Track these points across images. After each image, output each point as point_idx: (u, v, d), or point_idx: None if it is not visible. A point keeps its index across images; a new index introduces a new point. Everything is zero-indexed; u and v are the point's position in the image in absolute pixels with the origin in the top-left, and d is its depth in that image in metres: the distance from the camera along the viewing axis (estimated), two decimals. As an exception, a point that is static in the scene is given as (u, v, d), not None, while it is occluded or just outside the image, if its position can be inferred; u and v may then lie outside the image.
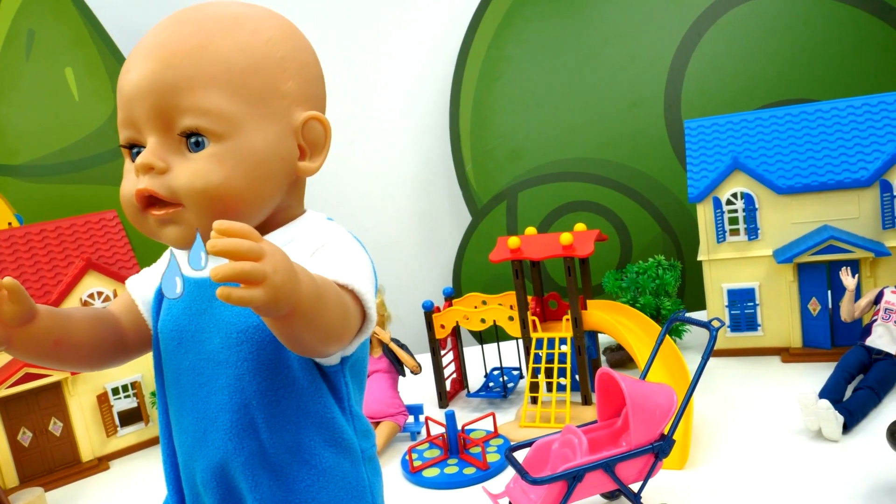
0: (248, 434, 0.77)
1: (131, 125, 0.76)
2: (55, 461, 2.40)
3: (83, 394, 2.43)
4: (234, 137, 0.75)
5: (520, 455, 1.71)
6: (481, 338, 2.65)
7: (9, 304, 0.72)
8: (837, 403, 1.99)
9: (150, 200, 0.75)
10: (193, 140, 0.75)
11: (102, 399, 2.47)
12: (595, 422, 1.78)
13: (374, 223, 4.09)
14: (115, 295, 2.48)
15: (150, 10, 4.05)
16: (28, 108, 3.59)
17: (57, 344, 0.78)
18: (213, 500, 0.79)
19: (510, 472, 1.98)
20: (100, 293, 2.45)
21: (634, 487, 1.67)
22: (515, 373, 2.64)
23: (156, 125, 0.75)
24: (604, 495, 1.78)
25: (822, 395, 2.06)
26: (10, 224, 2.87)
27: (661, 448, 1.62)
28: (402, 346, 2.27)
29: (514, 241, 2.28)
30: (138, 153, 0.76)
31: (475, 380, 2.72)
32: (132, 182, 0.76)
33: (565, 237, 2.20)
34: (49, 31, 3.65)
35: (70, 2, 3.71)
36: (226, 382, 0.76)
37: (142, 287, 0.88)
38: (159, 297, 0.85)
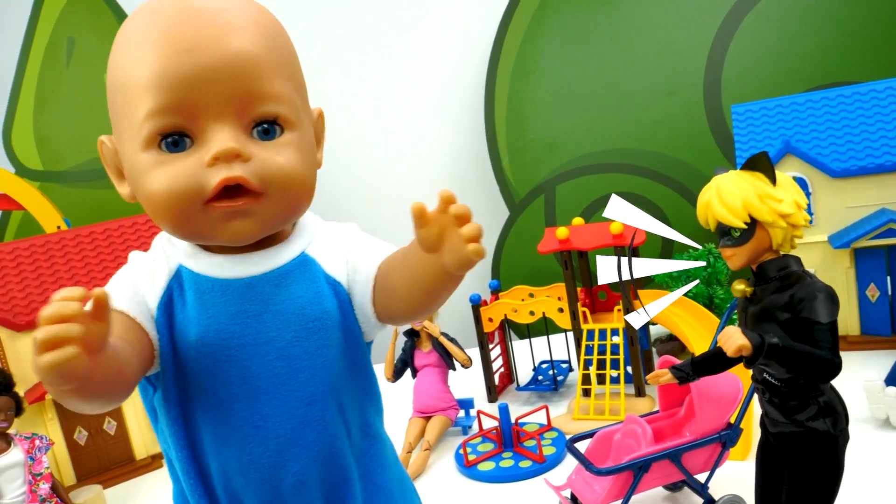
0: (340, 419, 0.77)
1: (184, 110, 0.67)
2: (110, 459, 2.43)
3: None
4: (300, 127, 0.73)
5: (581, 446, 1.68)
6: (528, 332, 2.62)
7: (96, 323, 0.56)
8: (904, 391, 1.93)
9: (226, 191, 0.67)
10: (263, 128, 0.69)
11: (154, 398, 2.49)
12: (656, 411, 1.75)
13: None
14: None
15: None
16: (70, 115, 3.66)
17: (119, 373, 0.64)
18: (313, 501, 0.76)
19: (567, 464, 1.95)
20: (150, 293, 2.48)
21: (701, 478, 1.63)
22: (564, 366, 2.61)
23: (230, 111, 0.67)
24: (666, 487, 1.74)
25: (889, 382, 1.99)
26: (58, 227, 2.92)
27: (728, 437, 1.58)
28: (452, 340, 2.26)
29: (562, 232, 2.25)
30: (172, 142, 0.67)
31: (523, 373, 2.69)
32: (193, 172, 0.66)
33: (615, 226, 2.16)
34: (88, 39, 3.72)
35: (108, 9, 3.77)
36: (310, 374, 0.74)
37: (136, 303, 0.71)
38: (167, 310, 0.72)
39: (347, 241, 0.80)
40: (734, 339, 1.00)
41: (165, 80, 0.65)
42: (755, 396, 1.75)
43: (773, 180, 1.09)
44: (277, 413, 0.74)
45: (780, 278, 1.09)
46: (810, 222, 2.41)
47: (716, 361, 1.27)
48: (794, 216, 1.08)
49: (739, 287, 1.15)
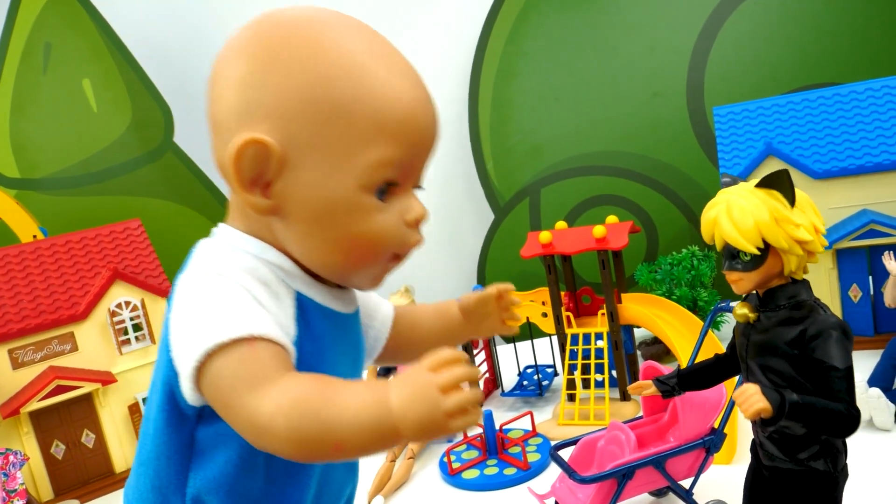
0: None
1: (406, 169, 0.68)
2: (89, 473, 2.38)
3: (114, 404, 2.41)
4: None
5: (564, 454, 1.66)
6: (513, 336, 2.60)
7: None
8: (887, 391, 1.93)
9: None
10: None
11: (134, 409, 2.45)
12: (640, 417, 1.74)
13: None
14: (144, 304, 2.46)
15: (166, 20, 4.05)
16: (47, 121, 3.60)
17: None
18: None
19: (552, 471, 1.93)
20: (127, 303, 2.44)
21: (685, 484, 1.61)
22: (549, 370, 2.59)
23: (421, 174, 0.72)
24: (651, 493, 1.73)
25: (871, 383, 1.99)
26: (34, 237, 2.87)
27: (712, 442, 1.57)
28: (435, 347, 2.23)
29: (545, 236, 2.23)
30: (383, 190, 0.67)
31: (508, 379, 2.67)
32: (398, 228, 0.69)
33: (598, 230, 2.15)
34: (65, 44, 3.66)
35: (86, 14, 3.71)
36: None
37: (286, 334, 0.68)
38: (303, 327, 0.71)
39: None
40: (752, 402, 0.90)
41: (407, 138, 0.66)
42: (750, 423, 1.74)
43: (792, 202, 0.99)
44: None
45: (790, 307, 1.01)
46: (827, 247, 2.41)
47: (702, 376, 1.21)
48: (812, 243, 0.99)
49: (742, 311, 1.06)
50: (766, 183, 1.00)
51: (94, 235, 2.54)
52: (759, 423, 0.95)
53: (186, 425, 0.68)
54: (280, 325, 0.64)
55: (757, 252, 0.99)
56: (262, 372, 0.60)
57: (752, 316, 1.05)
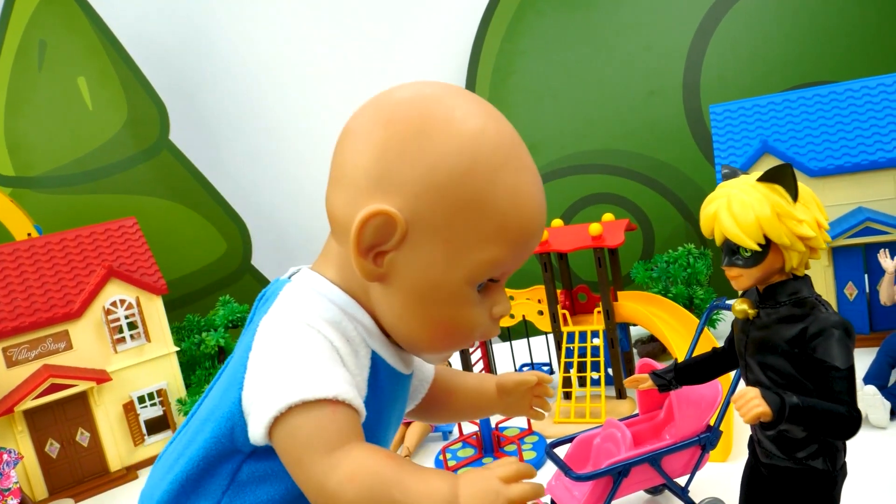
0: None
1: (513, 265, 0.70)
2: (83, 472, 2.38)
3: (109, 403, 2.40)
4: None
5: (560, 451, 1.66)
6: (509, 334, 2.60)
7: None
8: (883, 389, 1.93)
9: None
10: None
11: (129, 408, 2.44)
12: (636, 415, 1.73)
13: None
14: (139, 303, 2.45)
15: (162, 18, 4.04)
16: (42, 119, 3.59)
17: None
18: None
19: (548, 469, 1.92)
20: (122, 301, 2.43)
21: (681, 481, 1.61)
22: (546, 368, 2.59)
23: None
24: (647, 490, 1.73)
25: (866, 381, 1.99)
26: (29, 235, 2.85)
27: (708, 440, 1.57)
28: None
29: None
30: (481, 286, 0.69)
31: (504, 377, 2.66)
32: (484, 321, 0.71)
33: (594, 227, 2.15)
34: (61, 42, 3.65)
35: (81, 12, 3.70)
36: None
37: (360, 397, 0.71)
38: (373, 385, 0.74)
39: None
40: (751, 406, 0.88)
41: (521, 244, 0.69)
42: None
43: (795, 196, 0.95)
44: None
45: (791, 304, 0.98)
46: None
47: (700, 370, 1.19)
48: (814, 239, 0.95)
49: (741, 307, 1.03)
50: (768, 177, 0.97)
51: (89, 233, 2.53)
52: (759, 427, 0.93)
53: (235, 459, 0.70)
54: (357, 386, 0.66)
55: (758, 248, 0.96)
56: (339, 437, 0.62)
57: (751, 312, 1.02)
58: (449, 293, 0.68)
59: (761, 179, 0.98)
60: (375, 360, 0.72)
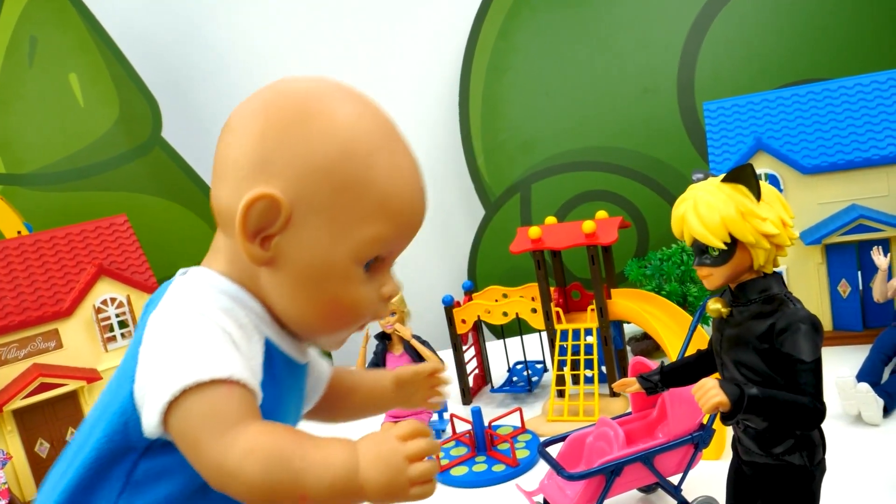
0: None
1: (398, 243, 0.74)
2: (74, 471, 2.36)
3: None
4: None
5: (553, 450, 1.65)
6: (503, 332, 2.59)
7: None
8: (876, 386, 1.93)
9: None
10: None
11: (120, 406, 2.42)
12: (629, 413, 1.73)
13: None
14: (130, 301, 2.43)
15: (154, 13, 4.01)
16: (33, 116, 3.56)
17: None
18: None
19: (541, 468, 1.92)
20: (113, 299, 2.41)
21: (674, 480, 1.61)
22: (539, 366, 2.58)
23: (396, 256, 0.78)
24: (640, 489, 1.72)
25: (860, 378, 1.99)
26: (19, 233, 2.83)
27: (700, 438, 1.56)
28: (424, 343, 2.22)
29: (534, 231, 2.22)
30: (367, 265, 0.73)
31: (498, 375, 2.66)
32: (374, 300, 0.74)
33: (588, 225, 2.14)
34: (52, 37, 3.61)
35: (72, 7, 3.67)
36: None
37: (257, 381, 0.71)
38: (267, 372, 0.74)
39: None
40: (710, 396, 0.91)
41: (403, 221, 0.73)
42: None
43: (758, 195, 1.00)
44: None
45: (761, 301, 1.02)
46: (816, 242, 2.40)
47: (686, 372, 1.20)
48: (779, 237, 0.99)
49: (715, 306, 1.06)
50: (731, 178, 1.01)
51: (79, 231, 2.51)
52: (720, 417, 0.95)
53: (129, 458, 0.69)
54: (251, 369, 0.67)
55: (724, 247, 1.00)
56: (236, 415, 0.62)
57: (724, 311, 1.06)
58: (336, 272, 0.70)
59: (725, 180, 1.02)
60: (269, 346, 0.72)
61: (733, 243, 1.00)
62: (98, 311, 2.38)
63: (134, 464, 0.68)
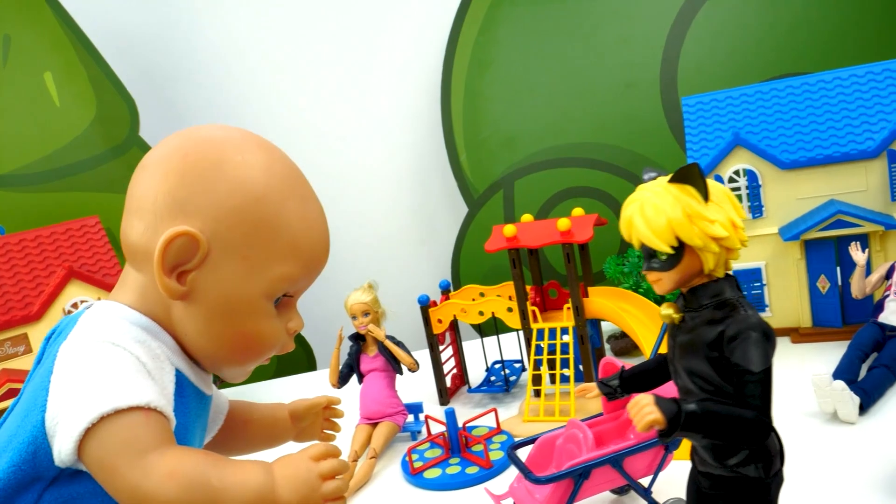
0: None
1: (305, 282, 0.79)
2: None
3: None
4: None
5: (524, 452, 1.63)
6: (481, 330, 2.56)
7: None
8: (852, 384, 1.91)
9: None
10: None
11: (92, 411, 2.39)
12: (601, 414, 1.70)
13: (369, 219, 4.01)
14: (100, 303, 2.40)
15: (130, 11, 3.96)
16: (8, 116, 3.51)
17: None
18: None
19: (515, 470, 1.89)
20: (83, 302, 2.37)
21: (645, 482, 1.58)
22: (517, 365, 2.56)
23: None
24: (613, 490, 1.70)
25: (837, 375, 1.97)
26: (-9, 235, 2.78)
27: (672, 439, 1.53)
28: (399, 344, 2.19)
29: (509, 229, 2.19)
30: (276, 301, 0.78)
31: (476, 374, 2.63)
32: (281, 334, 0.79)
33: (563, 223, 2.11)
34: (26, 36, 3.56)
35: (46, 5, 3.61)
36: None
37: (169, 405, 0.74)
38: (178, 402, 0.76)
39: None
40: (644, 414, 0.86)
41: (311, 262, 0.78)
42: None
43: (706, 196, 0.95)
44: None
45: (713, 306, 0.97)
46: (760, 214, 2.38)
47: (645, 378, 1.16)
48: (728, 239, 0.94)
49: (667, 312, 1.01)
50: (678, 178, 0.96)
51: (49, 234, 2.47)
52: (658, 435, 0.90)
53: (35, 488, 0.69)
54: (165, 397, 0.70)
55: (671, 251, 0.95)
56: (153, 441, 0.64)
57: (676, 316, 1.01)
58: (248, 307, 0.75)
59: (672, 180, 0.97)
60: (180, 378, 0.76)
61: (681, 247, 0.95)
62: (68, 314, 2.34)
63: (40, 495, 0.68)
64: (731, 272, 1.00)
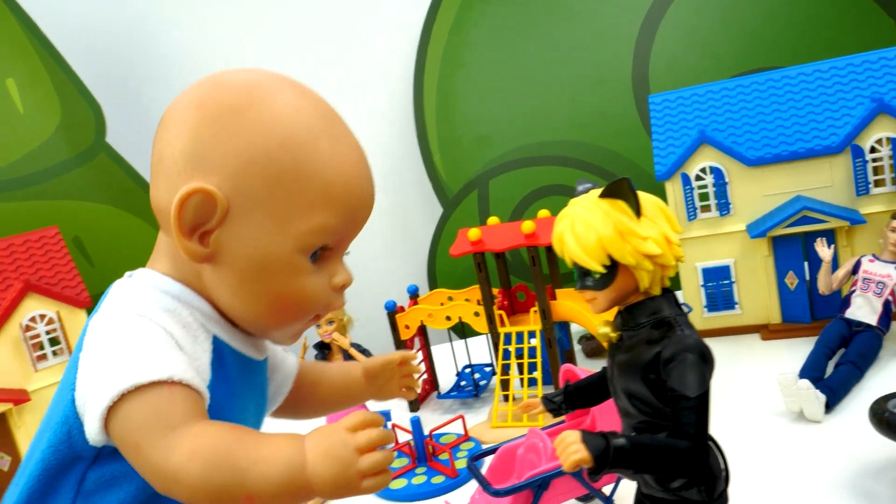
0: None
1: (340, 237, 0.72)
2: (7, 495, 2.27)
3: (31, 424, 2.30)
4: None
5: (488, 461, 1.60)
6: (450, 335, 2.54)
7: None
8: (819, 381, 1.90)
9: None
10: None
11: (55, 426, 2.34)
12: (563, 422, 1.68)
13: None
14: (60, 317, 2.34)
15: (94, 15, 3.88)
16: (-29, 122, 3.43)
17: None
18: None
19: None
20: (42, 316, 2.32)
21: (607, 490, 1.57)
22: (488, 369, 2.53)
23: (349, 244, 0.75)
24: (578, 498, 1.68)
25: (803, 373, 1.97)
26: (-50, 248, 2.72)
27: (631, 446, 1.52)
28: (363, 351, 2.16)
29: (474, 233, 2.16)
30: (314, 255, 0.70)
31: (446, 380, 2.61)
32: (325, 291, 0.72)
33: (527, 225, 2.09)
34: (-13, 42, 3.48)
35: (6, 8, 3.54)
36: None
37: (202, 380, 0.70)
38: (218, 370, 0.72)
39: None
40: (570, 453, 0.82)
41: (348, 210, 0.70)
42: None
43: (638, 212, 0.91)
44: None
45: (651, 325, 0.93)
46: (728, 212, 2.37)
47: (589, 393, 1.13)
48: (662, 256, 0.91)
49: (604, 330, 0.97)
50: (609, 193, 0.92)
51: (6, 246, 2.41)
52: (586, 473, 0.87)
53: (77, 467, 0.67)
54: (197, 369, 0.66)
55: (604, 270, 0.91)
56: (178, 417, 0.60)
57: (613, 336, 0.97)
58: (280, 264, 0.68)
59: (603, 195, 0.93)
60: (219, 344, 0.71)
61: (614, 265, 0.91)
62: (27, 328, 2.29)
63: (83, 473, 0.67)
64: (668, 287, 0.97)
